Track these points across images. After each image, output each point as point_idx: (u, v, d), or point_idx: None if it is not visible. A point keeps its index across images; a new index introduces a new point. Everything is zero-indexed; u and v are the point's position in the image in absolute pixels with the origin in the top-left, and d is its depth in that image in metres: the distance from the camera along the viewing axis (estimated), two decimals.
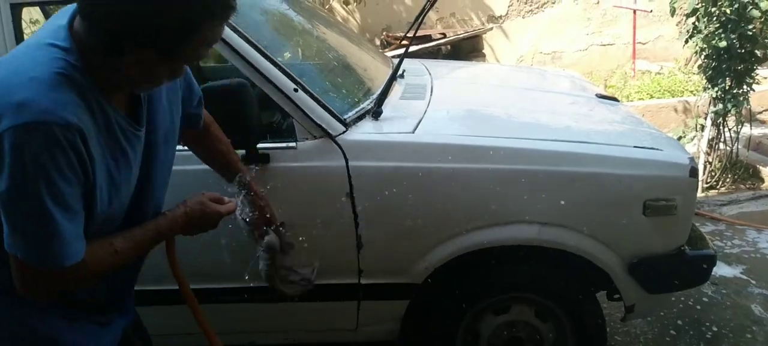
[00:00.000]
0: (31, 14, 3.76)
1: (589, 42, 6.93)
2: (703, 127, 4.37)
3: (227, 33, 1.94)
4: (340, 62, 2.52)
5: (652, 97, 5.74)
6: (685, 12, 3.98)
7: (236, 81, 1.82)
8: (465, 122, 2.21)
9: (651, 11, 6.46)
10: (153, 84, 1.18)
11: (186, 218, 1.34)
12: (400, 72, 2.71)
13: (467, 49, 6.01)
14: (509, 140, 1.97)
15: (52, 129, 1.02)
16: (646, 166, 1.96)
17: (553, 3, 6.80)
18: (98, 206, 1.14)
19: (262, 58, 1.95)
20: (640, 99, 5.73)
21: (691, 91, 5.69)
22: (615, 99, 2.78)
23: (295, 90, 1.95)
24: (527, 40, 6.85)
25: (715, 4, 3.79)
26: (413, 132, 2.01)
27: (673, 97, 5.66)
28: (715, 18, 3.84)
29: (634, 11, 6.35)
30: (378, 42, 6.43)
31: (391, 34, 6.12)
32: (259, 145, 1.91)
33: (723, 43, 3.81)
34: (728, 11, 3.74)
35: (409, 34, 2.26)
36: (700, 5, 3.85)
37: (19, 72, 1.05)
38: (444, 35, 5.79)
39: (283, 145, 1.96)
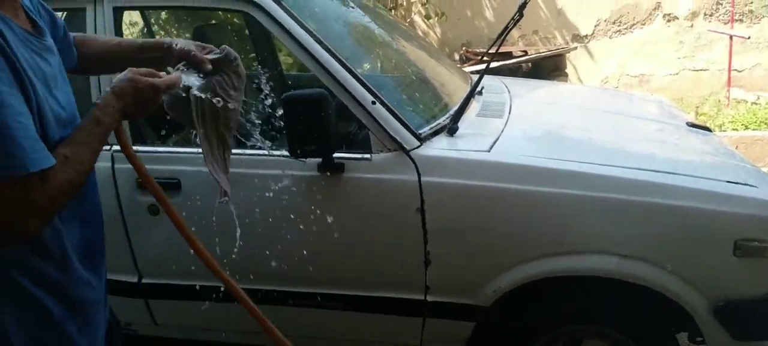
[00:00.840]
0: (130, 17, 4.01)
1: (680, 66, 6.60)
2: None
3: (310, 43, 1.99)
4: (418, 76, 2.52)
5: (747, 128, 5.38)
6: None
7: (316, 91, 1.86)
8: (543, 144, 2.15)
9: (749, 38, 6.07)
10: None
11: (117, 98, 1.19)
12: (479, 88, 2.68)
13: (549, 67, 5.87)
14: (590, 166, 1.89)
15: None
16: (739, 204, 1.82)
17: (643, 24, 6.53)
18: (47, 114, 1.10)
19: (342, 69, 1.99)
20: (734, 129, 5.38)
21: None
22: (707, 128, 2.62)
23: (373, 103, 1.96)
24: (613, 62, 6.61)
25: None
26: (489, 151, 1.97)
27: None
28: None
29: (731, 37, 5.99)
30: (457, 57, 6.40)
31: (470, 50, 6.08)
32: (335, 155, 1.94)
33: None
34: None
35: (491, 51, 2.21)
36: None
37: None
38: (525, 53, 5.69)
39: (358, 156, 1.98)
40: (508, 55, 5.66)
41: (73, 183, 1.10)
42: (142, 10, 2.96)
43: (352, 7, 2.69)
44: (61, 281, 1.21)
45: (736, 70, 6.22)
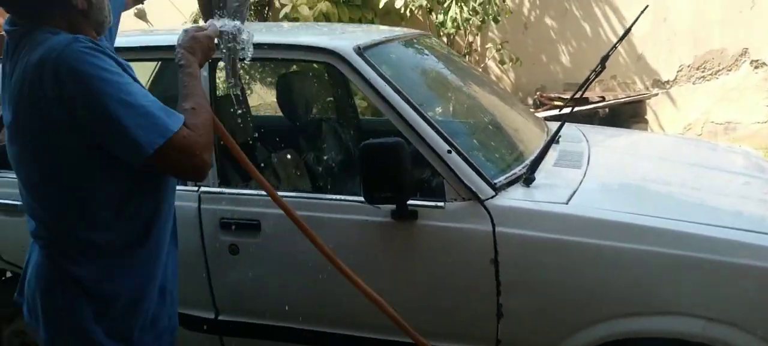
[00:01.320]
0: None
1: None
2: None
3: (388, 92, 2.05)
4: (493, 123, 2.52)
5: None
6: None
7: (393, 140, 1.90)
8: (624, 197, 2.09)
9: None
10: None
11: (190, 53, 1.51)
12: (556, 137, 2.65)
13: (628, 114, 5.70)
14: (673, 222, 1.82)
15: None
16: None
17: (729, 70, 6.25)
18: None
19: (418, 117, 2.02)
20: None
21: None
22: None
23: (449, 152, 1.98)
24: (697, 109, 6.33)
25: None
26: (567, 203, 1.94)
27: None
28: None
29: None
30: (531, 102, 6.34)
31: (545, 95, 6.01)
32: (408, 202, 1.96)
33: None
34: None
35: (568, 99, 2.19)
36: None
37: None
38: (603, 98, 5.56)
39: (432, 203, 1.99)
40: (585, 100, 5.54)
41: (207, 120, 1.42)
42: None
43: (427, 55, 2.75)
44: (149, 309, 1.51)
45: None
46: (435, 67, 2.67)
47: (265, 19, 6.32)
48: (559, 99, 5.74)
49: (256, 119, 3.19)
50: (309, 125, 3.25)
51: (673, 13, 6.14)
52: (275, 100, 3.21)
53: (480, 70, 4.70)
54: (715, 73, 6.29)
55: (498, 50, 5.89)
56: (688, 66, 6.32)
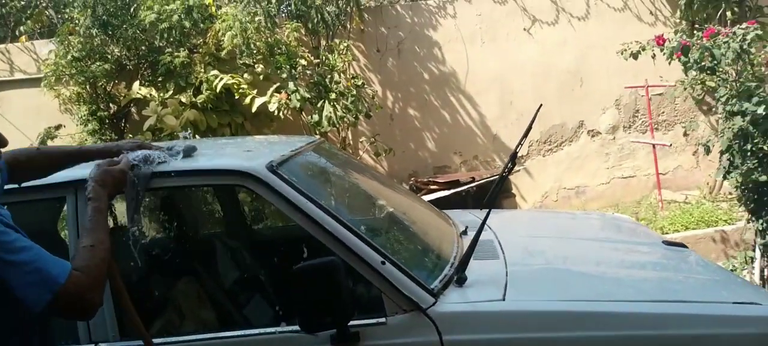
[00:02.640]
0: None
1: (610, 175, 7.03)
2: (752, 259, 4.30)
3: (307, 206, 1.95)
4: (409, 223, 2.51)
5: (687, 228, 5.71)
6: (721, 149, 4.06)
7: (327, 260, 1.80)
8: (551, 284, 2.15)
9: (670, 145, 6.61)
10: None
11: (101, 187, 1.60)
12: (463, 229, 2.70)
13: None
14: (608, 304, 1.91)
15: None
16: (751, 324, 1.87)
17: (571, 141, 6.99)
18: None
19: (345, 231, 1.95)
20: (675, 231, 5.69)
21: (725, 220, 5.67)
22: (682, 245, 2.75)
23: (383, 263, 1.92)
24: (549, 177, 6.95)
25: (749, 141, 3.88)
26: (504, 299, 1.95)
27: (708, 227, 5.63)
28: (751, 154, 3.91)
29: (654, 146, 6.51)
30: (406, 187, 6.53)
31: (419, 179, 6.23)
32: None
33: (763, 178, 3.84)
34: (766, 148, 3.82)
35: (496, 183, 2.24)
36: (734, 142, 3.94)
37: None
38: (473, 179, 5.89)
39: (373, 321, 1.90)
40: (457, 183, 5.85)
41: (103, 260, 1.43)
42: None
43: (330, 162, 2.71)
44: None
45: (661, 173, 6.70)
46: (341, 173, 2.63)
47: (122, 132, 5.90)
48: (433, 182, 5.98)
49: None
50: (199, 245, 3.01)
51: (517, 96, 6.79)
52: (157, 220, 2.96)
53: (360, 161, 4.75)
54: (560, 145, 6.99)
55: (371, 143, 6.03)
56: (537, 141, 6.96)
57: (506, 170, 2.26)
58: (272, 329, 1.93)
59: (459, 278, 2.05)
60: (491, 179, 6.07)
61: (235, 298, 2.80)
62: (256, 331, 1.95)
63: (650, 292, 2.01)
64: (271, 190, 1.98)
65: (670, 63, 4.57)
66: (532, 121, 2.37)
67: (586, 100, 6.86)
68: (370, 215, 2.35)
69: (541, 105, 2.60)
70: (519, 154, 6.77)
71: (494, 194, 2.30)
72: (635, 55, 4.75)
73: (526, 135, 2.33)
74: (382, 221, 2.37)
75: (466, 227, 2.71)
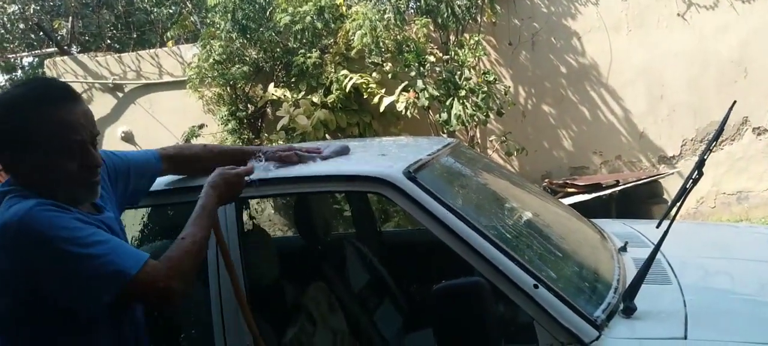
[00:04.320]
0: None
1: None
2: None
3: (448, 218, 1.74)
4: (561, 239, 2.21)
5: None
6: None
7: (472, 280, 1.59)
8: (747, 322, 1.75)
9: None
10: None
11: (213, 189, 1.64)
12: (621, 245, 2.36)
13: (645, 194, 5.50)
14: None
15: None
16: None
17: (733, 140, 6.16)
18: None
19: (491, 247, 1.71)
20: None
21: None
22: None
23: (536, 286, 1.66)
24: (706, 181, 6.13)
25: None
26: (685, 338, 1.61)
27: None
28: None
29: None
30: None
31: (553, 182, 5.80)
32: None
33: None
34: None
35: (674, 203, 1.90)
36: None
37: None
38: (617, 182, 5.36)
39: None
40: (598, 186, 5.35)
41: (189, 252, 1.45)
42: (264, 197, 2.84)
43: (470, 167, 2.48)
44: None
45: None
46: (482, 180, 2.39)
47: (259, 132, 6.10)
48: (571, 185, 5.53)
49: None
50: (330, 248, 2.92)
51: (669, 89, 6.12)
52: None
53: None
54: (720, 144, 6.19)
55: (502, 142, 5.71)
56: (691, 139, 6.23)
57: (690, 181, 1.89)
58: None
59: (627, 308, 1.73)
60: (638, 182, 5.50)
61: (362, 303, 2.68)
62: None
63: None
64: (410, 199, 1.79)
65: None
66: (725, 121, 1.98)
67: (750, 93, 6.01)
68: (516, 228, 2.09)
69: (734, 102, 2.18)
70: (671, 155, 6.13)
71: (676, 205, 1.93)
72: None
73: (717, 137, 1.94)
74: (530, 235, 2.10)
75: (626, 243, 2.36)
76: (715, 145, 1.93)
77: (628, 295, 1.75)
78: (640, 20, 6.06)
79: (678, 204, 1.89)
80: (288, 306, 2.42)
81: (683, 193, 1.90)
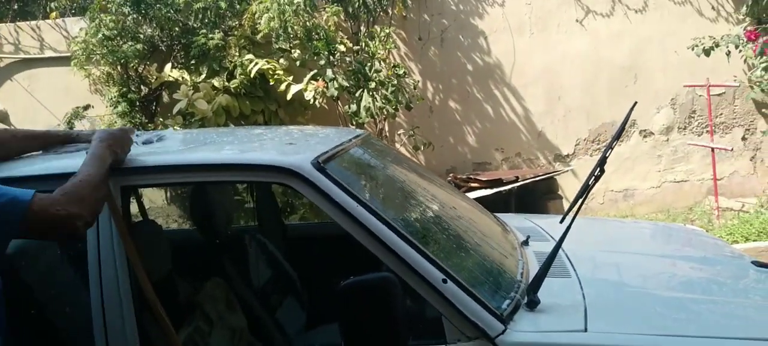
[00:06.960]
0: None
1: (661, 179, 6.61)
2: None
3: (358, 210, 1.68)
4: (466, 231, 2.22)
5: (747, 239, 5.29)
6: None
7: (380, 276, 1.54)
8: (641, 313, 1.81)
9: (732, 149, 6.17)
10: None
11: (102, 140, 1.66)
12: (523, 238, 2.40)
13: (542, 190, 5.74)
14: (715, 342, 1.59)
15: None
16: None
17: (621, 141, 6.58)
18: None
19: (401, 242, 1.67)
20: (734, 242, 5.28)
21: None
22: None
23: (444, 281, 1.64)
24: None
25: None
26: (585, 331, 1.65)
27: None
28: None
29: (712, 150, 6.07)
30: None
31: (458, 176, 5.92)
32: None
33: None
34: None
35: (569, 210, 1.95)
36: None
37: None
38: (517, 178, 5.55)
39: None
40: (499, 181, 5.51)
41: (84, 182, 1.47)
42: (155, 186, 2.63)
43: (378, 159, 2.43)
44: None
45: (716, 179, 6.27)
46: (392, 173, 2.35)
47: (152, 116, 5.73)
48: (474, 180, 5.67)
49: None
50: (230, 242, 2.77)
51: (565, 91, 6.41)
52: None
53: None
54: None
55: (410, 136, 5.74)
56: (585, 139, 6.58)
57: (593, 178, 1.94)
58: None
59: (531, 301, 1.76)
60: (536, 178, 5.72)
61: (265, 299, 2.56)
62: None
63: (762, 326, 1.69)
64: (318, 190, 1.71)
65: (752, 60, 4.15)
66: (626, 121, 2.06)
67: (639, 97, 6.35)
68: (425, 222, 2.06)
69: (635, 103, 2.27)
70: (566, 154, 6.45)
71: (580, 201, 1.99)
72: (708, 52, 4.35)
73: (617, 137, 2.01)
74: (438, 229, 2.08)
75: (528, 237, 2.41)
76: (616, 144, 2.00)
77: (532, 288, 1.78)
78: (543, 24, 6.30)
79: (581, 200, 1.93)
80: (181, 305, 2.26)
81: (586, 189, 1.96)
